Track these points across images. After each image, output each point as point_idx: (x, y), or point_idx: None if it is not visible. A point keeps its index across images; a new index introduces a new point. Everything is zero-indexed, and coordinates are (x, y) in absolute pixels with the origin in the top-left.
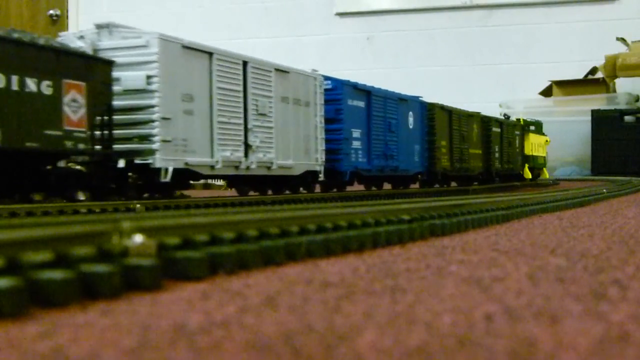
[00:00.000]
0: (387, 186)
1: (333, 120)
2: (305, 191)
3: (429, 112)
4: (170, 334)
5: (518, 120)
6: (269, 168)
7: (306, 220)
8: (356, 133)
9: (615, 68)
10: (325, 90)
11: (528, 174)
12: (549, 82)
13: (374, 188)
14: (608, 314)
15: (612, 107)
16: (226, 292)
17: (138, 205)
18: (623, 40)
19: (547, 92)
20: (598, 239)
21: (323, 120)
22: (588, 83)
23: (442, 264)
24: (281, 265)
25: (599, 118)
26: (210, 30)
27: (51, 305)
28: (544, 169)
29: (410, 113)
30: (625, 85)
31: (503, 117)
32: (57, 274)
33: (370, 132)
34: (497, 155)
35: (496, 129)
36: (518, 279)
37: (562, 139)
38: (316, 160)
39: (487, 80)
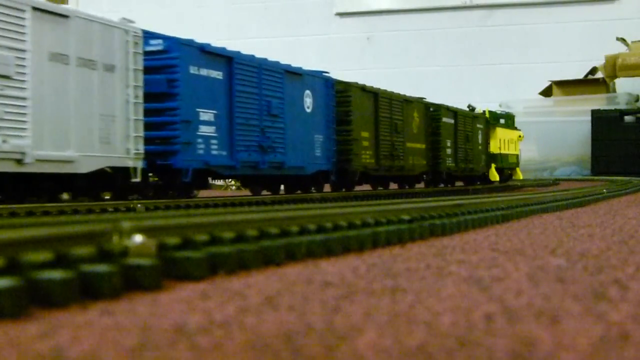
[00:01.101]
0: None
1: (164, 95)
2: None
3: (341, 94)
4: (170, 334)
5: (483, 112)
6: None
7: (306, 220)
8: (206, 115)
9: (615, 68)
10: (153, 52)
11: (495, 176)
12: (549, 82)
13: (264, 192)
14: (608, 314)
15: (612, 107)
16: (226, 292)
17: (139, 205)
18: (623, 40)
19: (547, 92)
20: (598, 239)
21: (141, 95)
22: (588, 83)
23: (442, 264)
24: (281, 265)
25: (599, 118)
26: (210, 30)
27: (51, 305)
28: (517, 169)
29: (308, 92)
30: (625, 85)
31: (468, 109)
32: (57, 274)
33: (233, 115)
34: (449, 151)
35: (448, 120)
36: (518, 279)
37: (562, 139)
38: (126, 152)
39: (487, 80)
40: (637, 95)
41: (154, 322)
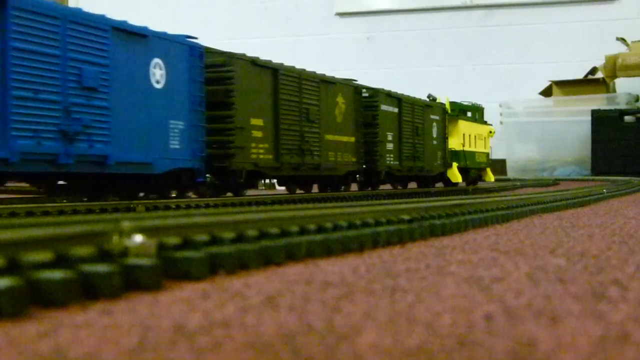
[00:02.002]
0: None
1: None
2: None
3: (219, 69)
4: (170, 334)
5: (442, 103)
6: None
7: (306, 220)
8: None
9: (615, 68)
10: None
11: (456, 177)
12: (549, 82)
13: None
14: (608, 314)
15: (612, 107)
16: (226, 292)
17: (139, 205)
18: (623, 40)
19: (547, 92)
20: (598, 239)
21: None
22: (588, 83)
23: (442, 264)
24: (281, 265)
25: (599, 118)
26: (210, 30)
27: (51, 305)
28: (488, 169)
29: (157, 62)
30: (625, 85)
31: (428, 99)
32: (57, 274)
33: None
34: (390, 147)
35: (389, 108)
36: (518, 279)
37: (562, 139)
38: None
39: (487, 80)
40: (637, 95)
41: (154, 322)
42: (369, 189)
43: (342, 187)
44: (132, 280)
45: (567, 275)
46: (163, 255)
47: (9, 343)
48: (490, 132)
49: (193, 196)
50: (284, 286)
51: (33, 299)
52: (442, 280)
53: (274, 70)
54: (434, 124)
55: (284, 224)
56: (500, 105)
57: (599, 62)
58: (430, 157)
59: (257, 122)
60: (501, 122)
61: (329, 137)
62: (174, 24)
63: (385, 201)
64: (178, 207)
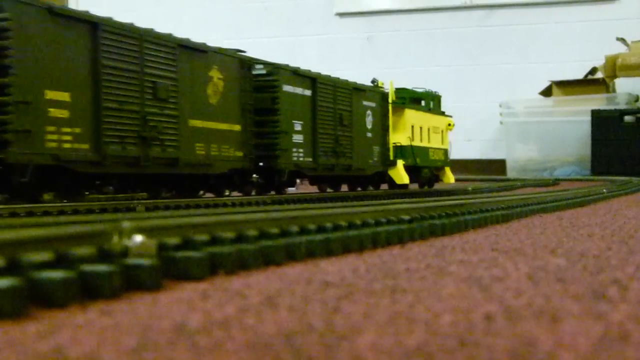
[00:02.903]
0: None
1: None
2: None
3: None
4: (170, 334)
5: (382, 87)
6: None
7: (306, 220)
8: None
9: (615, 68)
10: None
11: (402, 177)
12: (549, 82)
13: None
14: (608, 314)
15: (612, 107)
16: (226, 292)
17: (139, 205)
18: (623, 40)
19: (547, 92)
20: (598, 239)
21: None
22: (588, 83)
23: (442, 264)
24: (281, 265)
25: (599, 118)
26: (210, 30)
27: (51, 305)
28: (447, 168)
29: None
30: (625, 85)
31: (372, 84)
32: (57, 274)
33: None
34: (299, 139)
35: (297, 91)
36: (518, 279)
37: (562, 139)
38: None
39: (487, 80)
40: (637, 95)
41: (154, 322)
42: (273, 192)
43: (226, 190)
44: (132, 280)
45: (567, 275)
46: (163, 255)
47: (9, 343)
48: (450, 124)
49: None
50: (284, 286)
51: (33, 299)
52: (442, 280)
53: (92, 26)
54: (369, 112)
55: (284, 224)
56: (500, 105)
57: (599, 62)
58: (362, 154)
59: (61, 96)
60: (501, 122)
61: (196, 123)
62: (174, 24)
63: (385, 201)
64: (178, 207)
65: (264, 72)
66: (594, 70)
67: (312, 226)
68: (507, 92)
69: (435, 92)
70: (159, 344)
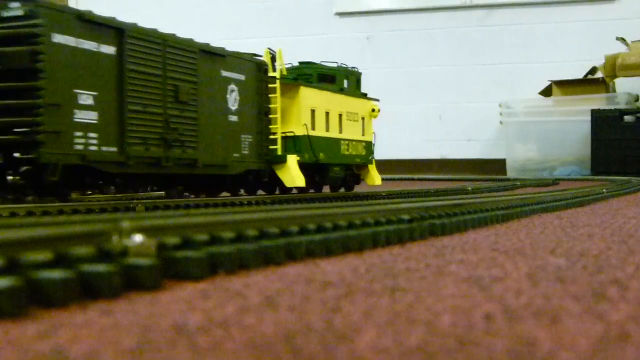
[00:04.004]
0: None
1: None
2: None
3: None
4: (170, 334)
5: (258, 55)
6: None
7: (306, 220)
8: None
9: (615, 68)
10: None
11: (295, 178)
12: (549, 82)
13: None
14: (608, 314)
15: (612, 107)
16: (226, 292)
17: (139, 205)
18: (623, 40)
19: (547, 92)
20: (598, 239)
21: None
22: (588, 83)
23: (442, 264)
24: (281, 265)
25: (599, 118)
26: (210, 30)
27: (51, 305)
28: (371, 167)
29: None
30: (625, 85)
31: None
32: (57, 274)
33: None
34: (88, 117)
35: (91, 45)
36: (518, 279)
37: (562, 139)
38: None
39: (487, 80)
40: (637, 95)
41: (154, 322)
42: (31, 198)
43: None
44: (132, 280)
45: (567, 275)
46: (163, 255)
47: (9, 343)
48: (374, 110)
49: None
50: (284, 286)
51: (33, 299)
52: (442, 280)
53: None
54: (234, 87)
55: (284, 224)
56: (500, 105)
57: (599, 62)
58: (221, 144)
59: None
60: (501, 122)
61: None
62: (174, 23)
63: (385, 201)
64: (178, 207)
65: (19, 13)
66: (594, 70)
67: (312, 226)
68: (507, 92)
69: (354, 68)
70: (159, 344)
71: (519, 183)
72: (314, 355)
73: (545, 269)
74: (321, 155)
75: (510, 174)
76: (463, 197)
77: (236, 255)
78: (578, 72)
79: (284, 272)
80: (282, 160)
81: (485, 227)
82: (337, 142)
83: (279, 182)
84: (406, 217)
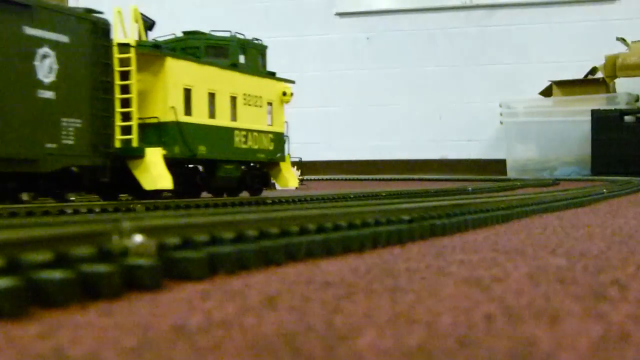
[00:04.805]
0: None
1: None
2: None
3: None
4: (170, 334)
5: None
6: None
7: (306, 220)
8: None
9: (615, 68)
10: None
11: (154, 178)
12: (549, 82)
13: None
14: (608, 314)
15: (612, 107)
16: (226, 292)
17: (138, 205)
18: (623, 40)
19: (547, 92)
20: (598, 239)
21: None
22: (588, 83)
23: (442, 264)
24: (281, 265)
25: (599, 118)
26: (210, 30)
27: (51, 305)
28: (284, 164)
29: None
30: (625, 85)
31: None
32: (57, 274)
33: None
34: None
35: None
36: (518, 279)
37: (562, 139)
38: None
39: (487, 80)
40: (637, 95)
41: (154, 322)
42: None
43: None
44: (132, 280)
45: (567, 275)
46: (163, 255)
47: (9, 343)
48: (285, 93)
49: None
50: (284, 286)
51: (33, 299)
52: (442, 280)
53: None
54: (47, 52)
55: (284, 224)
56: (500, 105)
57: (599, 62)
58: (21, 130)
59: None
60: (501, 122)
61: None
62: (174, 24)
63: (385, 201)
64: (178, 207)
65: None
66: (594, 70)
67: (312, 226)
68: (507, 92)
69: (257, 40)
70: (159, 344)
71: (518, 183)
72: (314, 355)
73: (545, 269)
74: (201, 149)
75: (510, 174)
76: (463, 197)
77: (236, 255)
78: (578, 72)
79: (284, 272)
80: (139, 154)
81: (485, 227)
82: (228, 132)
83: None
84: (406, 217)
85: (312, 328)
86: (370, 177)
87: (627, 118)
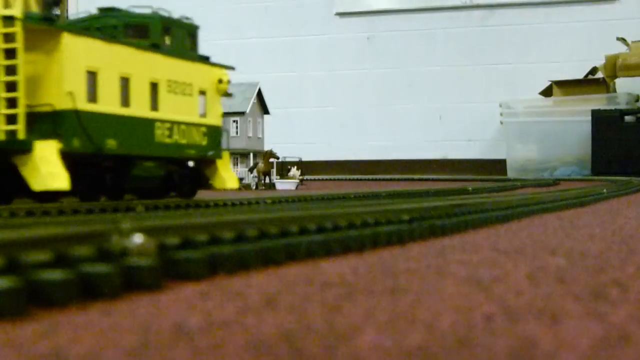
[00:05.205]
0: None
1: None
2: None
3: None
4: (170, 334)
5: None
6: None
7: (306, 220)
8: None
9: (615, 68)
10: None
11: (44, 177)
12: (549, 82)
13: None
14: (608, 314)
15: (612, 107)
16: (226, 292)
17: (139, 205)
18: (623, 40)
19: (547, 92)
20: (598, 239)
21: None
22: (588, 83)
23: (442, 264)
24: (281, 265)
25: (599, 118)
26: (210, 30)
27: (51, 305)
28: (220, 162)
29: None
30: (625, 85)
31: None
32: (57, 274)
33: None
34: None
35: None
36: (518, 279)
37: (562, 139)
38: None
39: (487, 80)
40: (637, 95)
41: (154, 322)
42: None
43: None
44: (132, 280)
45: (567, 275)
46: (163, 255)
47: (9, 343)
48: (222, 81)
49: None
50: (284, 286)
51: (33, 299)
52: (442, 280)
53: None
54: None
55: (284, 224)
56: (500, 105)
57: (599, 62)
58: None
59: None
60: (501, 122)
61: None
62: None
63: (385, 201)
64: (178, 207)
65: None
66: (594, 70)
67: (312, 226)
68: (507, 92)
69: (187, 18)
70: (159, 344)
71: (519, 183)
72: (314, 355)
73: (545, 269)
74: (109, 143)
75: (510, 174)
76: (463, 197)
77: (236, 255)
78: (578, 72)
79: (284, 272)
80: (26, 149)
81: (485, 227)
82: (146, 123)
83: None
84: (406, 217)
85: (312, 328)
86: (370, 177)
87: (627, 118)
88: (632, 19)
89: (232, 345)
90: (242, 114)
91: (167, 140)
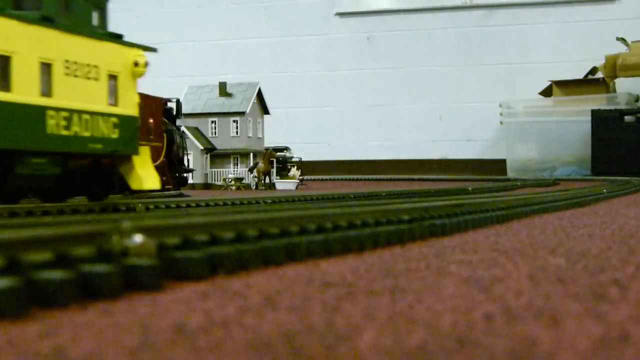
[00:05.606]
0: None
1: None
2: None
3: None
4: (170, 334)
5: None
6: None
7: (306, 220)
8: None
9: (615, 68)
10: None
11: None
12: (549, 82)
13: None
14: (608, 314)
15: (612, 107)
16: (226, 292)
17: (139, 205)
18: (623, 40)
19: (547, 92)
20: (598, 239)
21: None
22: (588, 83)
23: (442, 264)
24: (281, 265)
25: (599, 118)
26: (210, 30)
27: (51, 305)
28: (138, 159)
29: None
30: (625, 85)
31: None
32: (57, 274)
33: None
34: None
35: None
36: (518, 279)
37: (562, 139)
38: None
39: (487, 80)
40: (637, 95)
41: (154, 322)
42: None
43: None
44: (132, 280)
45: (567, 275)
46: (163, 255)
47: (9, 343)
48: (138, 64)
49: None
50: (284, 286)
51: (33, 299)
52: (442, 280)
53: None
54: None
55: (284, 224)
56: (500, 105)
57: (599, 62)
58: None
59: None
60: (501, 122)
61: None
62: (174, 24)
63: (385, 201)
64: (178, 207)
65: None
66: (594, 70)
67: (312, 226)
68: (507, 92)
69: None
70: (159, 344)
71: (519, 183)
72: (314, 355)
73: (545, 269)
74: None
75: (510, 174)
76: (463, 197)
77: (236, 255)
78: (578, 72)
79: (284, 272)
80: None
81: (485, 227)
82: (35, 111)
83: None
84: (406, 217)
85: (312, 328)
86: (370, 177)
87: (627, 118)
88: (632, 19)
89: (232, 345)
90: (242, 114)
91: (64, 132)
